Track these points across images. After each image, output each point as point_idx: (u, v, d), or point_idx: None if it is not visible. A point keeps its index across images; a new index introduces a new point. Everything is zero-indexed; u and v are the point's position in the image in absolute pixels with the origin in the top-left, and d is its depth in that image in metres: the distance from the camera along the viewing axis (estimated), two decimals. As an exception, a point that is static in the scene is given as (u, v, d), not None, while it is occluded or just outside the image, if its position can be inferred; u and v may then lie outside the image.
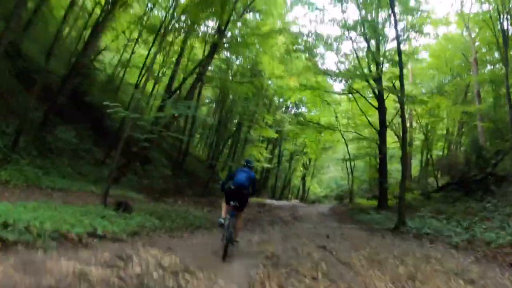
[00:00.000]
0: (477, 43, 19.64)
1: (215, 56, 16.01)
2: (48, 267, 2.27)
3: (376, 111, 16.77)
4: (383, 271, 4.36)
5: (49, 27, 15.09)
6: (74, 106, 12.94)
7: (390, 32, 20.10)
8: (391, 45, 18.08)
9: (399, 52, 11.04)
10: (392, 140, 21.28)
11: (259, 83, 20.62)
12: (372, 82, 16.08)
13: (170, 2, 15.11)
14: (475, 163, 14.14)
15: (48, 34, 14.41)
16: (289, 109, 32.05)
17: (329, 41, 17.36)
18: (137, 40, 16.95)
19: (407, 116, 16.95)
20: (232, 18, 14.39)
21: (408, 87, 18.28)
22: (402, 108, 11.00)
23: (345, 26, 16.74)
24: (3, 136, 8.55)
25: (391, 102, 19.48)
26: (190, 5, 12.93)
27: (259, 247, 5.62)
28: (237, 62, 21.74)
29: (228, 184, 5.17)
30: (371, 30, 15.67)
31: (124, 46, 17.84)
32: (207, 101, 27.77)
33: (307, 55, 18.89)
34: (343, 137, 23.08)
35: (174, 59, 17.79)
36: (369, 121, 18.08)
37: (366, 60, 17.24)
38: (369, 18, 15.98)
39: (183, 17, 14.87)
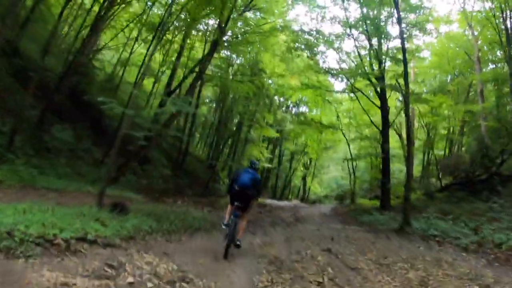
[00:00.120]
0: (479, 42, 19.40)
1: (216, 55, 15.79)
2: (27, 279, 2.03)
3: (378, 110, 16.56)
4: (392, 276, 4.15)
5: (48, 25, 14.88)
6: (72, 105, 12.74)
7: (392, 30, 19.87)
8: (394, 43, 17.88)
9: (403, 48, 10.81)
10: (394, 140, 21.04)
11: (260, 82, 20.39)
12: (374, 80, 15.87)
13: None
14: (480, 163, 13.91)
15: (47, 32, 14.20)
16: (290, 108, 31.86)
17: (331, 39, 17.14)
18: (136, 38, 16.75)
19: (409, 115, 16.71)
20: (232, 16, 14.17)
21: (410, 86, 18.03)
22: (406, 105, 10.75)
23: (347, 24, 16.52)
24: (-2, 135, 8.34)
25: (393, 101, 19.26)
26: (190, 2, 12.70)
27: (261, 250, 5.40)
28: (238, 61, 21.53)
29: (232, 185, 5.24)
30: (374, 28, 15.45)
31: (124, 44, 17.64)
32: (207, 100, 27.55)
33: (308, 53, 18.66)
34: (344, 136, 22.85)
35: (173, 58, 17.57)
36: (371, 120, 17.87)
37: (368, 58, 17.03)
38: (371, 15, 15.75)
39: (182, 15, 14.64)
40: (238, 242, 4.81)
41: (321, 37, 17.37)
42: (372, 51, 16.12)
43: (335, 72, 17.78)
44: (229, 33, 15.54)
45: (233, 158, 23.26)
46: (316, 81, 19.26)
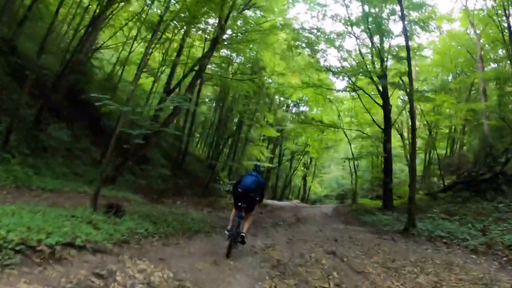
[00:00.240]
0: (481, 40, 19.21)
1: (215, 54, 15.58)
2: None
3: (380, 109, 16.37)
4: (402, 281, 3.93)
5: (45, 24, 14.67)
6: (70, 104, 12.54)
7: (394, 27, 19.70)
8: (396, 41, 17.64)
9: (407, 45, 10.61)
10: (395, 140, 20.83)
11: (260, 81, 20.17)
12: (376, 79, 15.67)
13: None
14: (484, 162, 13.70)
15: (44, 30, 13.99)
16: (291, 107, 31.64)
17: (332, 37, 16.94)
18: (135, 37, 16.53)
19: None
20: (232, 14, 13.96)
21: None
22: (411, 102, 10.52)
23: (348, 22, 16.31)
24: (-7, 134, 8.13)
25: (394, 100, 19.05)
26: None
27: (263, 254, 5.18)
28: (238, 60, 21.30)
29: (236, 187, 5.38)
30: (375, 26, 15.25)
31: (123, 43, 17.41)
32: (207, 99, 27.32)
33: (309, 51, 18.45)
34: (346, 135, 22.63)
35: (173, 58, 17.35)
36: (373, 119, 17.66)
37: (370, 56, 16.82)
38: (373, 13, 15.54)
39: (182, 15, 14.42)
40: (243, 234, 4.81)
41: (322, 35, 17.20)
42: (374, 49, 15.93)
43: (336, 70, 17.59)
44: (229, 31, 15.36)
45: (233, 158, 23.05)
46: (317, 80, 19.06)
